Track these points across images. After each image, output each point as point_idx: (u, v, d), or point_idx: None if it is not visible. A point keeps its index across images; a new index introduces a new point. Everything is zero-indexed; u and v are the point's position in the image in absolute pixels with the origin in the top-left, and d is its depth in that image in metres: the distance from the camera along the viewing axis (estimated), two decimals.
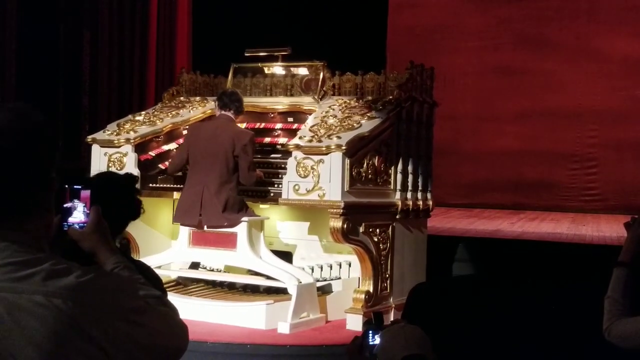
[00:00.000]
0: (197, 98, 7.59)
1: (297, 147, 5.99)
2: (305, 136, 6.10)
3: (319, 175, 5.88)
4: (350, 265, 6.58)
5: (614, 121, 12.65)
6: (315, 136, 6.04)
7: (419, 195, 6.99)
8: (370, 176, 6.25)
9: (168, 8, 11.94)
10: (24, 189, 1.55)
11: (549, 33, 13.06)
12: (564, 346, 5.26)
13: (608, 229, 10.04)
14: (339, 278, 6.53)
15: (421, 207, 6.99)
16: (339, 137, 5.96)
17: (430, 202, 7.19)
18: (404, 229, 6.71)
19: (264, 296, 6.32)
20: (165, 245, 6.95)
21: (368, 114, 6.39)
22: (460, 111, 13.30)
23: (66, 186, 1.83)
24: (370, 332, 2.17)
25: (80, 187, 1.85)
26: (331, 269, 6.56)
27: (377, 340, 2.14)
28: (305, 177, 5.91)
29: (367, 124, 6.23)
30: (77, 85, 10.62)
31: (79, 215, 1.86)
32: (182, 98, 7.63)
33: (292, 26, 11.44)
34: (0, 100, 8.88)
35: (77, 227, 1.86)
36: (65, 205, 1.84)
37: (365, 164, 6.18)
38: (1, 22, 9.47)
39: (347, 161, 5.91)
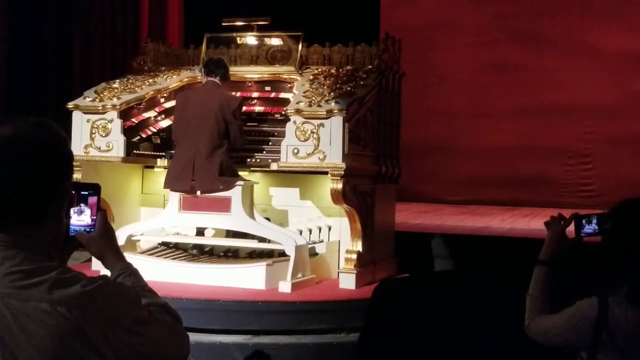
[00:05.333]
0: (169, 67, 7.69)
1: (298, 111, 6.14)
2: (301, 102, 6.26)
3: (319, 139, 6.06)
4: (330, 229, 6.70)
5: (610, 116, 12.59)
6: (313, 102, 6.22)
7: (392, 161, 7.22)
8: (360, 141, 6.44)
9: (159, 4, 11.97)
10: (40, 197, 1.58)
11: (543, 28, 13.04)
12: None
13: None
14: (322, 241, 6.65)
15: (395, 173, 7.25)
16: (337, 102, 6.15)
17: (400, 169, 7.46)
18: (380, 192, 6.88)
19: (251, 259, 6.45)
20: (135, 213, 7.09)
21: (356, 82, 6.57)
22: (456, 108, 13.31)
23: (73, 192, 1.87)
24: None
25: (87, 192, 1.90)
26: (310, 232, 6.67)
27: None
28: (305, 140, 6.09)
29: (359, 91, 6.44)
30: (68, 88, 10.57)
31: (85, 219, 1.90)
32: (150, 66, 7.75)
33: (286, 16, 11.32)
34: None
35: (85, 231, 1.90)
36: (72, 209, 1.88)
37: (356, 129, 6.36)
38: None
39: (346, 125, 6.08)
